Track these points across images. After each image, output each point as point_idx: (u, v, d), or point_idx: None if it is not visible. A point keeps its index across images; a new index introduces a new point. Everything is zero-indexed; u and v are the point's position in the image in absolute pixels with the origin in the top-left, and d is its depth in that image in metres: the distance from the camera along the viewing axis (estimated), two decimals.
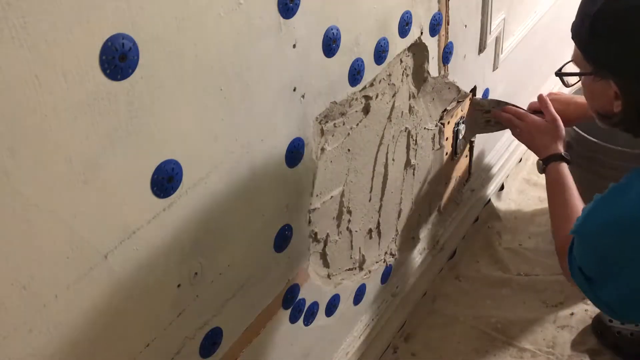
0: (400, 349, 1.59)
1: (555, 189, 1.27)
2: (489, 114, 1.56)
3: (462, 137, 1.58)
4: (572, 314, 1.60)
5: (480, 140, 1.74)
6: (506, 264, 1.77)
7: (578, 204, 1.20)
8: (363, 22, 1.05)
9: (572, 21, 1.04)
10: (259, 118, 0.90)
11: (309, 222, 1.11)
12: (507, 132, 1.97)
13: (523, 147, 2.05)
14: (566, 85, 1.14)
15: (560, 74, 1.11)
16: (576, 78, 1.08)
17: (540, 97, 1.43)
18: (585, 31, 0.96)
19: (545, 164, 1.31)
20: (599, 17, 0.93)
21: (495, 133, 1.85)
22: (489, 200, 1.92)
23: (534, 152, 1.39)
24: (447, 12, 1.30)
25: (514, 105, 1.49)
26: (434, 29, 1.27)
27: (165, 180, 0.78)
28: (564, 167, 1.28)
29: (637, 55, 0.91)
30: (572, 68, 1.10)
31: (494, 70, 1.66)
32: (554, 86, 2.18)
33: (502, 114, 1.47)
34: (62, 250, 0.68)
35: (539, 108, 1.43)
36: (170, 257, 0.83)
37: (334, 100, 1.05)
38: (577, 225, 1.06)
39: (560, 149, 1.33)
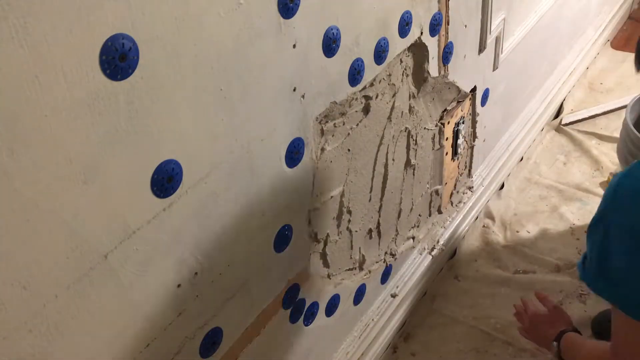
0: (400, 348, 1.59)
1: (573, 353, 1.19)
2: None
3: (464, 137, 1.58)
4: (571, 313, 1.60)
5: (481, 139, 1.74)
6: (505, 262, 1.77)
7: (600, 346, 1.12)
8: (363, 22, 1.05)
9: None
10: (259, 118, 0.90)
11: (309, 222, 1.11)
12: (508, 131, 1.98)
13: (524, 146, 2.06)
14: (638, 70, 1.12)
15: None
16: None
17: (535, 294, 1.36)
18: None
19: (558, 342, 1.22)
20: None
21: (495, 133, 1.86)
22: (489, 199, 1.92)
23: (544, 347, 1.29)
24: (447, 12, 1.30)
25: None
26: (434, 29, 1.27)
27: (165, 180, 0.78)
28: (576, 335, 1.21)
29: None
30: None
31: (494, 70, 1.66)
32: (553, 87, 2.18)
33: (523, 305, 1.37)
34: (62, 250, 0.68)
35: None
36: (170, 257, 0.83)
37: (334, 100, 1.05)
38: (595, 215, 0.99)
39: (569, 323, 1.25)
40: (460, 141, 1.60)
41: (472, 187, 1.81)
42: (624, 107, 1.96)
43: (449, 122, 1.50)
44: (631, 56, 1.33)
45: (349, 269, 1.31)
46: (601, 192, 1.94)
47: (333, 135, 1.09)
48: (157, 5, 0.69)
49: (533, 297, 1.36)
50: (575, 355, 1.17)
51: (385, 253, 1.44)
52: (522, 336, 1.34)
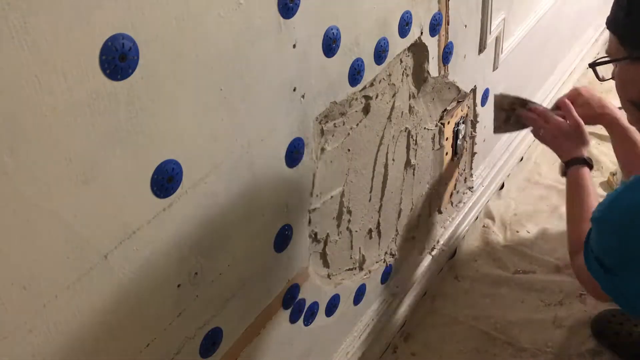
0: (400, 348, 1.59)
1: (574, 191, 1.26)
2: (509, 112, 1.50)
3: (463, 136, 1.58)
4: (571, 313, 1.60)
5: (480, 139, 1.74)
6: (505, 262, 1.77)
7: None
8: (363, 22, 1.05)
9: (608, 15, 1.02)
10: (259, 118, 0.90)
11: (309, 222, 1.11)
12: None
13: (524, 146, 2.06)
14: (600, 79, 1.12)
15: (593, 64, 1.09)
16: (609, 73, 1.06)
17: (562, 102, 1.40)
18: (622, 11, 0.94)
19: (568, 167, 1.30)
20: None
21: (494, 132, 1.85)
22: (489, 199, 1.92)
23: (558, 155, 1.37)
24: (447, 12, 1.30)
25: (539, 105, 1.45)
26: (434, 29, 1.27)
27: (165, 180, 0.78)
28: (586, 171, 1.27)
29: None
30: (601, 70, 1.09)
31: (494, 70, 1.66)
32: (553, 87, 2.18)
33: (527, 114, 1.42)
34: (62, 250, 0.68)
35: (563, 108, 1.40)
36: (170, 257, 0.83)
37: (334, 100, 1.05)
38: (599, 210, 1.04)
39: (584, 153, 1.31)
40: (460, 141, 1.60)
41: (472, 187, 1.81)
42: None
43: (449, 122, 1.50)
44: None
45: (349, 269, 1.31)
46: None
47: (333, 135, 1.09)
48: (157, 5, 0.69)
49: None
50: (574, 196, 1.24)
51: (385, 253, 1.44)
52: (535, 137, 1.40)
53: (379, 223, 1.35)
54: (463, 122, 1.57)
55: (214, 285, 0.92)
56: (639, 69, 0.95)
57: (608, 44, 1.02)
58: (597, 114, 1.36)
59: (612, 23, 0.99)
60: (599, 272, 1.05)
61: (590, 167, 1.30)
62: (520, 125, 1.50)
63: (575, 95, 1.40)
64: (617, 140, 1.34)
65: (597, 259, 1.06)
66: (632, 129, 1.27)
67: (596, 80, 1.17)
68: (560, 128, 1.35)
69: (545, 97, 2.14)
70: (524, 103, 1.47)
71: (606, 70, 1.10)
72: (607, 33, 1.03)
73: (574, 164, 1.29)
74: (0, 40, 0.56)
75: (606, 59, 1.03)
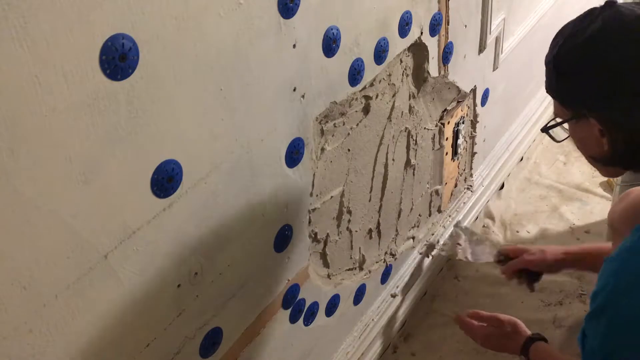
0: (400, 348, 1.59)
1: None
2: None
3: (463, 136, 1.58)
4: (571, 313, 1.60)
5: (481, 139, 1.74)
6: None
7: None
8: (363, 22, 1.05)
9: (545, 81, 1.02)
10: (259, 118, 0.90)
11: (309, 222, 1.11)
12: (508, 131, 1.98)
13: (524, 146, 2.06)
14: (555, 140, 1.10)
15: (545, 128, 1.07)
16: (565, 134, 1.05)
17: (468, 315, 1.31)
18: (553, 77, 0.95)
19: (527, 352, 1.19)
20: (559, 58, 0.92)
21: (495, 133, 1.86)
22: (489, 199, 1.92)
23: (511, 354, 1.26)
24: (447, 12, 1.30)
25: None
26: (434, 29, 1.27)
27: (165, 180, 0.78)
28: (545, 346, 1.18)
29: (604, 86, 0.88)
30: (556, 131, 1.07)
31: (494, 70, 1.66)
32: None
33: (463, 324, 1.33)
34: (62, 250, 0.68)
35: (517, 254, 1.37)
36: (170, 257, 0.83)
37: (334, 100, 1.05)
38: (597, 299, 0.93)
39: (527, 332, 1.21)
40: (460, 141, 1.60)
41: (472, 187, 1.81)
42: None
43: (449, 122, 1.50)
44: None
45: (349, 269, 1.31)
46: (601, 192, 1.95)
47: (333, 135, 1.09)
48: (157, 5, 0.69)
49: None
50: None
51: (385, 253, 1.44)
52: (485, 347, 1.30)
53: (379, 223, 1.35)
54: (463, 122, 1.57)
55: (214, 285, 0.92)
56: (585, 126, 0.93)
57: (554, 107, 1.01)
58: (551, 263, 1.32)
59: (548, 88, 0.98)
60: None
61: (544, 339, 1.20)
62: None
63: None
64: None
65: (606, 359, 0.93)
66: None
67: None
68: (490, 336, 1.26)
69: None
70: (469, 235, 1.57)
71: (562, 130, 1.08)
72: None
73: (529, 347, 1.18)
74: (0, 40, 0.56)
75: (553, 122, 1.02)
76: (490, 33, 1.53)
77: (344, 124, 1.10)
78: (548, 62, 0.95)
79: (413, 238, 1.56)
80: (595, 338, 0.93)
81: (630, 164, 0.97)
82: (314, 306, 1.22)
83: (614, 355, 0.92)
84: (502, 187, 1.99)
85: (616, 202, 1.12)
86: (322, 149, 1.07)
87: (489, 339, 1.26)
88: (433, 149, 1.48)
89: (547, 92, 0.99)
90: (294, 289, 1.13)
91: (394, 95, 1.23)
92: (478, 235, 1.65)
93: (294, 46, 0.91)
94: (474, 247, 1.60)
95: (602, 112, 0.90)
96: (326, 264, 1.22)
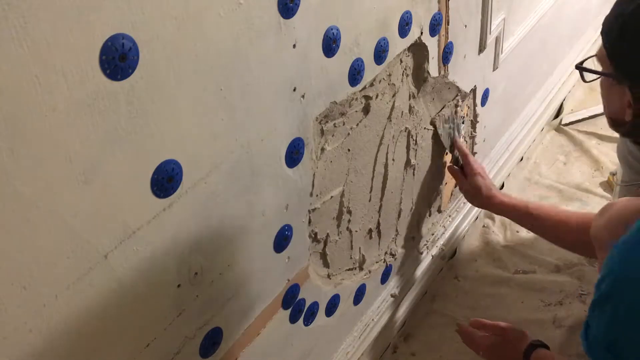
0: (400, 348, 1.59)
1: None
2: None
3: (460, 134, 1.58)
4: (571, 313, 1.60)
5: (481, 139, 1.74)
6: (505, 262, 1.77)
7: None
8: (363, 22, 1.05)
9: (606, 15, 0.97)
10: (259, 118, 0.90)
11: (309, 222, 1.11)
12: (508, 131, 1.98)
13: (524, 146, 2.06)
14: (584, 80, 1.07)
15: (580, 68, 1.04)
16: (594, 75, 1.03)
17: (471, 324, 1.32)
18: (616, 30, 0.91)
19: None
20: (633, 18, 0.89)
21: (495, 133, 1.86)
22: None
23: None
24: (447, 12, 1.30)
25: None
26: (434, 29, 1.27)
27: (165, 180, 0.78)
28: (546, 353, 1.17)
29: None
30: (593, 62, 1.03)
31: (494, 70, 1.66)
32: (553, 87, 2.18)
33: (465, 334, 1.33)
34: (62, 250, 0.68)
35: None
36: (170, 257, 0.83)
37: (334, 100, 1.05)
38: (602, 287, 0.90)
39: (529, 339, 1.20)
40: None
41: None
42: None
43: None
44: None
45: (349, 269, 1.31)
46: (601, 192, 1.95)
47: (333, 135, 1.09)
48: (157, 5, 0.69)
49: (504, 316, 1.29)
50: None
51: (385, 253, 1.44)
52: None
53: (379, 223, 1.35)
54: (463, 122, 1.57)
55: (214, 285, 0.92)
56: (620, 90, 0.92)
57: (599, 48, 0.98)
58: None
59: (606, 35, 0.96)
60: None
61: (545, 346, 1.19)
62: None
63: None
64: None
65: (608, 350, 0.89)
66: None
67: (595, 83, 1.14)
68: (492, 346, 1.25)
69: (545, 97, 2.14)
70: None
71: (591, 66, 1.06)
72: None
73: (530, 354, 1.17)
74: (0, 40, 0.56)
75: (591, 66, 1.00)
76: (490, 33, 1.53)
77: (344, 124, 1.11)
78: (619, 14, 0.91)
79: (413, 238, 1.56)
80: (600, 326, 0.89)
81: None
82: (314, 306, 1.22)
83: (618, 344, 0.88)
84: (502, 187, 1.99)
85: (596, 218, 1.07)
86: (322, 149, 1.07)
87: (491, 350, 1.23)
88: (433, 149, 1.48)
89: (601, 33, 0.95)
90: (294, 289, 1.13)
91: (394, 95, 1.23)
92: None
93: (294, 46, 0.91)
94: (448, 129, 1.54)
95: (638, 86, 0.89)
96: (326, 264, 1.22)
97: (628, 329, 0.87)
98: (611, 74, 0.93)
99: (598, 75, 1.02)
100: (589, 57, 1.02)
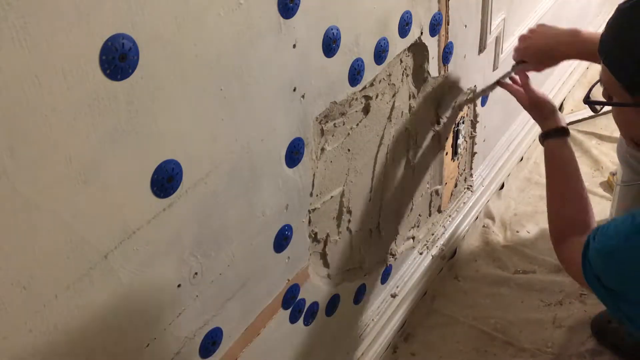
0: (400, 348, 1.59)
1: (552, 169, 1.17)
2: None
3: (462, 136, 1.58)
4: (571, 313, 1.60)
5: (481, 139, 1.74)
6: (505, 262, 1.77)
7: (578, 188, 1.11)
8: (363, 22, 1.05)
9: (603, 40, 0.94)
10: (259, 118, 0.90)
11: (309, 222, 1.11)
12: (508, 131, 1.98)
13: (524, 146, 2.06)
14: (595, 111, 1.04)
15: (589, 102, 1.00)
16: (601, 107, 1.00)
17: (520, 78, 1.35)
18: (634, 65, 0.87)
19: (544, 140, 1.22)
20: None
21: (495, 133, 1.85)
22: (489, 199, 1.92)
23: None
24: (447, 12, 1.30)
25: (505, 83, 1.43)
26: (434, 29, 1.27)
27: (165, 180, 0.78)
28: (563, 144, 1.18)
29: None
30: (600, 90, 1.00)
31: (494, 70, 1.66)
32: (553, 87, 2.18)
33: (508, 86, 1.39)
34: (62, 250, 0.68)
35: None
36: (170, 257, 0.83)
37: (334, 100, 1.05)
38: (606, 242, 0.94)
39: (557, 121, 1.22)
40: (460, 141, 1.60)
41: (472, 187, 1.81)
42: None
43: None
44: None
45: (349, 269, 1.31)
46: (601, 192, 1.95)
47: (333, 135, 1.09)
48: (157, 5, 0.69)
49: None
50: (554, 173, 1.15)
51: (385, 253, 1.44)
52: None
53: (379, 223, 1.35)
54: (463, 122, 1.57)
55: (214, 285, 0.92)
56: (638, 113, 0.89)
57: (604, 74, 0.94)
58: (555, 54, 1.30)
59: (614, 65, 0.91)
60: (600, 290, 0.96)
61: (567, 133, 1.21)
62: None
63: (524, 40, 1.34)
64: None
65: (598, 278, 0.96)
66: None
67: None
68: (524, 103, 1.30)
69: None
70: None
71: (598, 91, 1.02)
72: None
73: (549, 137, 1.20)
74: (0, 40, 0.56)
75: (605, 100, 0.95)
76: (490, 33, 1.53)
77: (344, 124, 1.11)
78: (627, 41, 0.88)
79: (413, 238, 1.56)
80: (596, 266, 0.95)
81: None
82: (314, 306, 1.23)
83: (605, 283, 0.94)
84: (502, 187, 1.99)
85: None
86: (322, 149, 1.07)
87: (532, 101, 1.27)
88: (433, 149, 1.48)
89: (604, 62, 0.92)
90: (294, 289, 1.13)
91: (394, 95, 1.23)
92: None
93: (294, 46, 0.91)
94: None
95: None
96: (326, 264, 1.22)
97: (618, 277, 0.93)
98: (634, 104, 0.90)
99: (601, 107, 1.00)
100: (594, 85, 0.99)
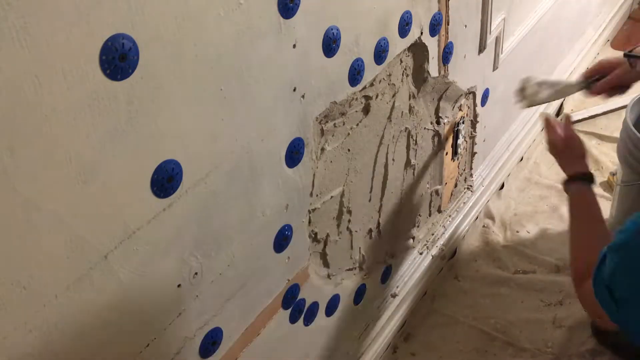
0: (400, 348, 1.59)
1: (577, 212, 1.19)
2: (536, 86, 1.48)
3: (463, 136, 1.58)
4: (571, 313, 1.60)
5: (481, 139, 1.74)
6: (505, 262, 1.77)
7: (602, 231, 1.12)
8: (363, 22, 1.05)
9: None
10: (259, 118, 0.90)
11: (309, 222, 1.11)
12: (508, 131, 1.98)
13: (524, 146, 2.06)
14: (633, 66, 1.09)
15: (629, 55, 1.06)
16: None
17: (546, 120, 1.34)
18: None
19: (569, 184, 1.24)
20: None
21: (495, 133, 1.85)
22: (489, 199, 1.92)
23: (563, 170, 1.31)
24: (447, 12, 1.30)
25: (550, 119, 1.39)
26: (434, 29, 1.27)
27: (165, 180, 0.78)
28: (589, 189, 1.20)
29: None
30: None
31: (494, 70, 1.66)
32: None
33: (547, 123, 1.36)
34: (62, 250, 0.68)
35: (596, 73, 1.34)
36: (170, 257, 0.83)
37: (334, 100, 1.05)
38: (620, 236, 0.95)
39: (585, 166, 1.24)
40: (460, 141, 1.60)
41: (472, 187, 1.81)
42: (624, 107, 1.96)
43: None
44: None
45: (349, 269, 1.31)
46: (601, 192, 1.95)
47: (333, 135, 1.09)
48: (157, 5, 0.69)
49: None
50: (579, 216, 1.15)
51: (385, 253, 1.44)
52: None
53: (379, 223, 1.35)
54: (463, 122, 1.57)
55: (214, 285, 0.92)
56: None
57: None
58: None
59: None
60: (609, 302, 0.97)
61: (593, 181, 1.23)
62: (552, 95, 1.46)
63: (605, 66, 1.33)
64: None
65: (608, 288, 0.97)
66: None
67: None
68: (556, 142, 1.30)
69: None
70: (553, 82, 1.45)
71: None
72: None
73: (575, 180, 1.22)
74: (0, 40, 0.56)
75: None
76: (490, 33, 1.53)
77: (344, 124, 1.11)
78: None
79: (413, 238, 1.56)
80: (609, 267, 0.95)
81: None
82: (314, 306, 1.23)
83: (615, 292, 0.95)
84: (502, 187, 1.99)
85: None
86: (322, 149, 1.07)
87: (560, 146, 1.28)
88: (433, 149, 1.48)
89: None
90: (294, 289, 1.13)
91: (394, 95, 1.23)
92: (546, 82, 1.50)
93: (294, 46, 0.91)
94: (547, 89, 1.47)
95: None
96: (326, 264, 1.22)
97: (626, 281, 0.94)
98: None
99: None
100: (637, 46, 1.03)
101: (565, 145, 1.29)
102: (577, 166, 1.24)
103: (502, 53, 1.65)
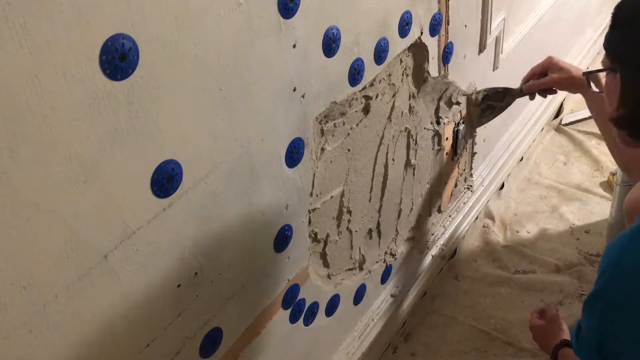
0: (400, 348, 1.59)
1: None
2: (481, 106, 1.56)
3: (463, 137, 1.58)
4: (571, 313, 1.60)
5: (481, 139, 1.74)
6: (505, 262, 1.77)
7: None
8: (363, 22, 1.05)
9: None
10: (259, 118, 0.90)
11: (309, 222, 1.11)
12: (508, 131, 1.98)
13: (524, 146, 2.06)
14: (591, 88, 1.12)
15: (586, 72, 1.09)
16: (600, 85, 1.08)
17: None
18: (609, 23, 0.94)
19: (555, 353, 1.20)
20: (618, 8, 0.92)
21: (495, 133, 1.85)
22: (489, 199, 1.92)
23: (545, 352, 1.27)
24: (447, 12, 1.30)
25: (502, 89, 1.46)
26: (434, 29, 1.27)
27: (165, 180, 0.78)
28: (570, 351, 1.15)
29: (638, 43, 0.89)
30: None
31: (494, 70, 1.66)
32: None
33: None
34: (62, 250, 0.68)
35: (538, 73, 1.39)
36: (170, 257, 0.83)
37: (334, 100, 1.05)
38: (594, 288, 0.90)
39: (566, 333, 1.23)
40: (460, 141, 1.60)
41: (472, 187, 1.81)
42: None
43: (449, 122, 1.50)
44: None
45: (349, 269, 1.31)
46: (601, 192, 1.95)
47: (333, 135, 1.09)
48: (157, 5, 0.69)
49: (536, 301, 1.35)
50: None
51: (385, 253, 1.44)
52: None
53: (379, 223, 1.35)
54: (463, 122, 1.57)
55: (214, 285, 0.92)
56: (614, 80, 0.93)
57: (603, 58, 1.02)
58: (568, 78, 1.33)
59: (605, 37, 1.00)
60: None
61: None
62: (494, 114, 1.55)
63: (547, 64, 1.37)
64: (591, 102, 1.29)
65: (599, 350, 0.91)
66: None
67: None
68: (535, 328, 1.30)
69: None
70: (495, 95, 1.52)
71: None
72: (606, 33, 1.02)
73: (558, 350, 1.19)
74: (0, 40, 0.56)
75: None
76: (490, 33, 1.53)
77: (344, 124, 1.11)
78: (613, 9, 0.95)
79: (413, 238, 1.56)
80: (591, 322, 0.91)
81: (632, 128, 0.93)
82: (314, 306, 1.22)
83: (609, 342, 0.90)
84: (502, 187, 1.99)
85: (634, 189, 1.14)
86: (322, 149, 1.07)
87: (536, 331, 1.29)
88: (433, 149, 1.48)
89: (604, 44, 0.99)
90: (294, 289, 1.13)
91: (394, 95, 1.23)
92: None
93: (294, 46, 0.91)
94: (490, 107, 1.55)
95: (628, 68, 0.89)
96: (326, 264, 1.22)
97: (617, 326, 0.89)
98: (608, 68, 0.94)
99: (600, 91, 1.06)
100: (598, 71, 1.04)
101: (543, 330, 1.29)
102: (557, 338, 1.22)
103: (502, 53, 1.65)
